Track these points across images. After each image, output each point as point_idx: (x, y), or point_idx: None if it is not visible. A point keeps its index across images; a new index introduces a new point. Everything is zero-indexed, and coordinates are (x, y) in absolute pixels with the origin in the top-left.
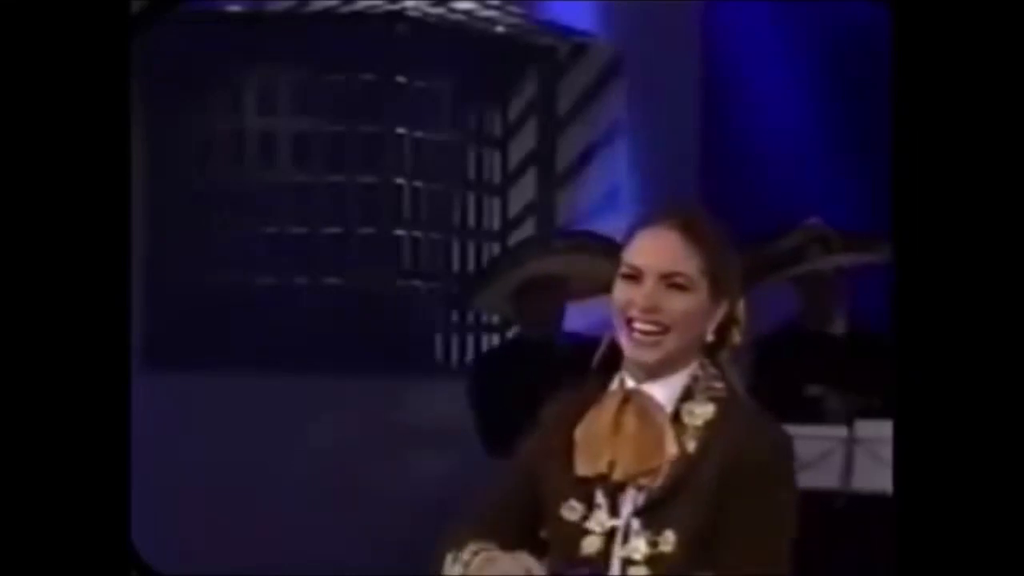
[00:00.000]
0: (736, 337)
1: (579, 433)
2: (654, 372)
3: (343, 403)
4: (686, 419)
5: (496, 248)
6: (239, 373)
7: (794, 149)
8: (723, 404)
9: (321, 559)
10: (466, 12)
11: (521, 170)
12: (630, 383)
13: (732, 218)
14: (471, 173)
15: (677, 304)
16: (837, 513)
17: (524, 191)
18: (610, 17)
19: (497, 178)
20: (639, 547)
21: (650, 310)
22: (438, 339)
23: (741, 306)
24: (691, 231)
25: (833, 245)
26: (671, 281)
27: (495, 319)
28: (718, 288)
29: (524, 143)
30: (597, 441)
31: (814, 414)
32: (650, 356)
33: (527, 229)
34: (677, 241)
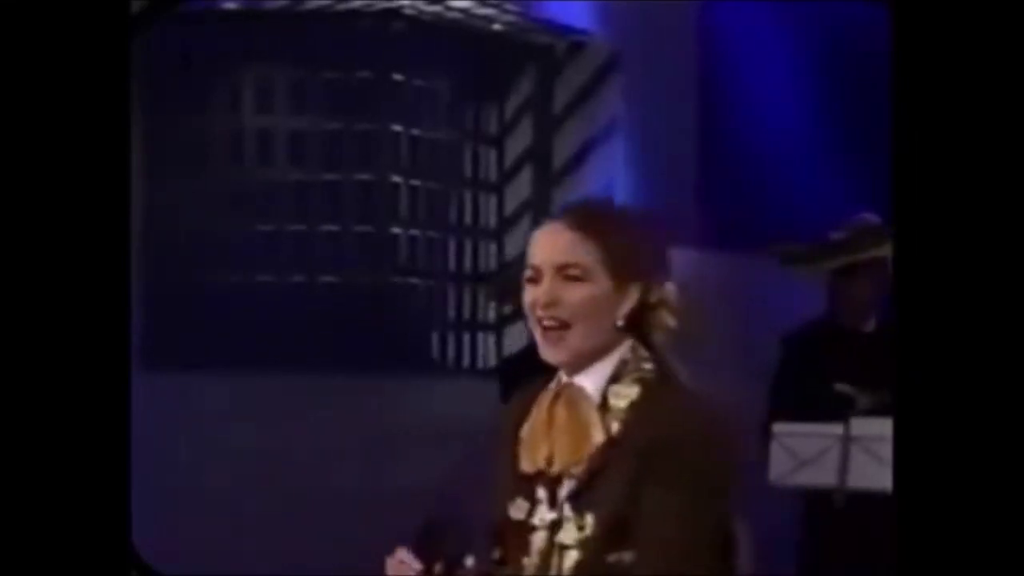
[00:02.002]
0: (669, 320)
1: (524, 432)
2: (571, 365)
3: (340, 402)
4: (612, 401)
5: (493, 246)
6: (237, 372)
7: (791, 147)
8: (649, 385)
9: (320, 559)
10: (463, 10)
11: (518, 168)
12: (564, 377)
13: (728, 214)
14: (468, 171)
15: (575, 295)
16: (836, 511)
17: (520, 189)
18: (607, 15)
19: (493, 176)
20: (570, 532)
21: (550, 304)
22: (435, 337)
23: (669, 288)
24: (584, 223)
25: (886, 238)
26: (566, 273)
27: (492, 319)
28: (621, 274)
29: (521, 141)
30: (535, 437)
31: (842, 411)
32: (555, 354)
33: (523, 227)
34: (569, 234)
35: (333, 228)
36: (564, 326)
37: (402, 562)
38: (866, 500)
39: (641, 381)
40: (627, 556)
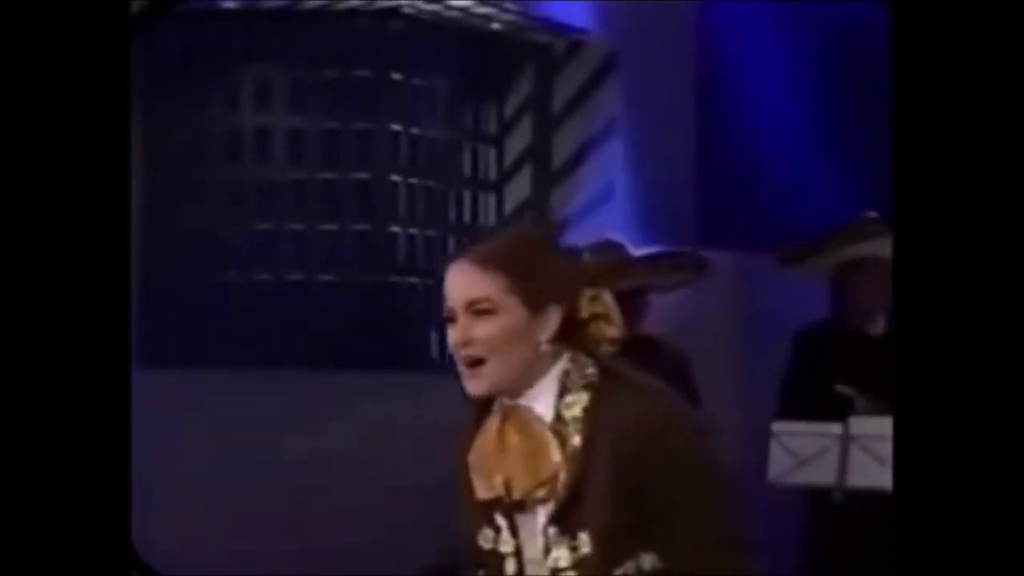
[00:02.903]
0: (609, 331)
1: (471, 459)
2: (505, 393)
3: (339, 400)
4: (566, 413)
5: None
6: (236, 371)
7: (790, 147)
8: (597, 388)
9: (320, 558)
10: (462, 9)
11: (517, 167)
12: (507, 400)
13: (727, 215)
14: (467, 170)
15: (486, 329)
16: (835, 510)
17: (520, 188)
18: (606, 14)
19: (493, 175)
20: (562, 555)
21: (464, 344)
22: (434, 336)
23: (605, 299)
24: (486, 256)
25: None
26: (476, 308)
27: None
28: (535, 298)
29: (520, 140)
30: (487, 463)
31: (848, 412)
32: (477, 388)
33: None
34: (472, 270)
35: (332, 227)
36: (478, 362)
37: None
38: (865, 499)
39: (588, 387)
40: (647, 559)
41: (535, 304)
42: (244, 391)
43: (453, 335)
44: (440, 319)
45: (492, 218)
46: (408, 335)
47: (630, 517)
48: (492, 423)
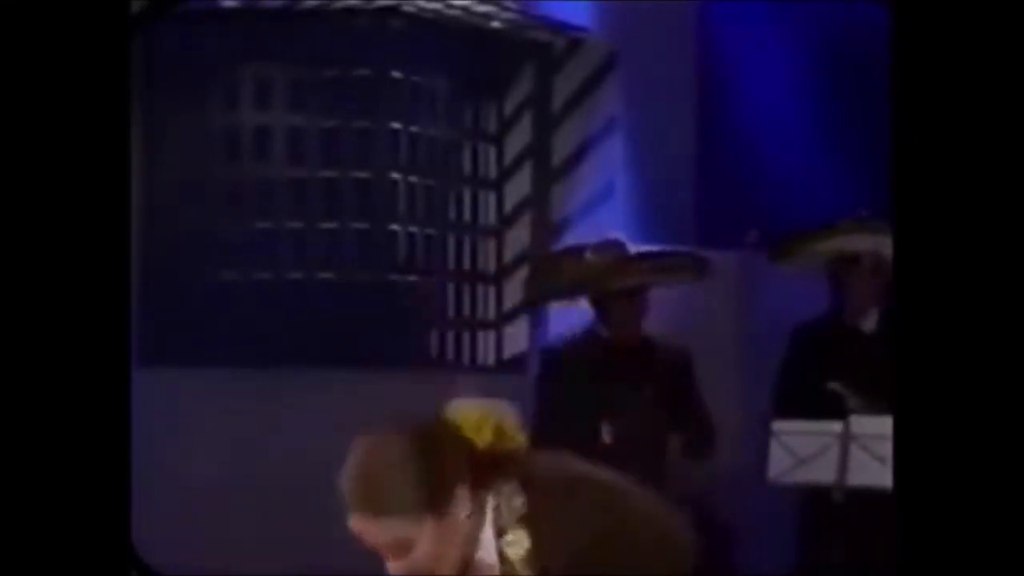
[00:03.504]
0: (512, 443)
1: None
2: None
3: (339, 400)
4: (510, 553)
5: (492, 243)
6: (236, 370)
7: (790, 146)
8: (530, 520)
9: (320, 559)
10: (462, 7)
11: (517, 166)
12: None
13: (727, 212)
14: (466, 168)
15: (406, 566)
16: (835, 509)
17: (520, 187)
18: (606, 13)
19: (493, 174)
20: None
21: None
22: (434, 335)
23: (486, 419)
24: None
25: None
26: (392, 549)
27: (491, 318)
28: (439, 499)
29: (520, 139)
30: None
31: (835, 409)
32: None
33: (523, 224)
34: (365, 523)
35: (332, 225)
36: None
37: None
38: (865, 498)
39: (522, 520)
40: None
41: (441, 504)
42: (244, 390)
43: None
44: (440, 317)
45: (492, 216)
46: (408, 334)
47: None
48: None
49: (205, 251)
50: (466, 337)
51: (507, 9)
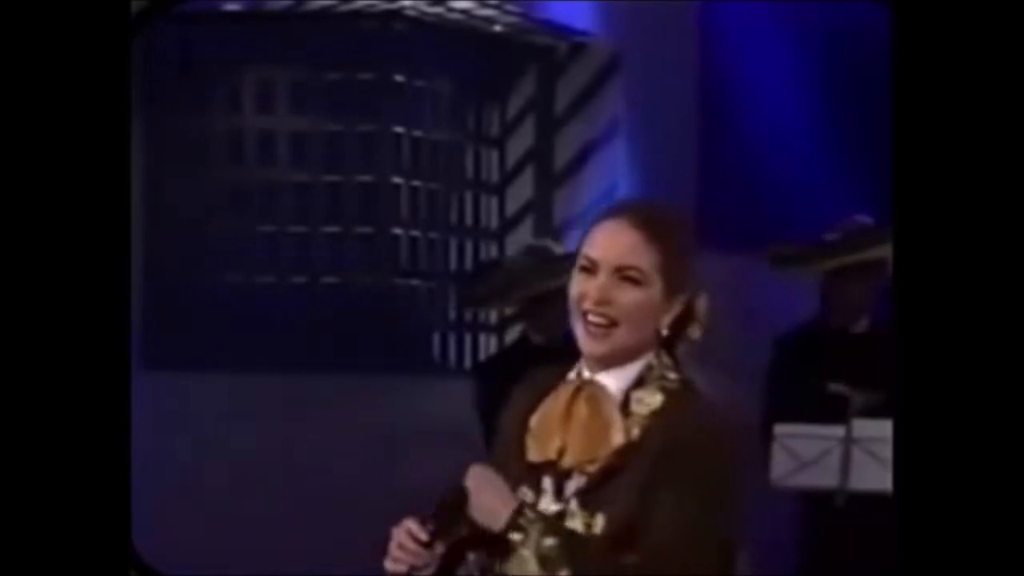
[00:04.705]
0: (695, 332)
1: (533, 420)
2: (606, 362)
3: (341, 402)
4: (634, 407)
5: (494, 247)
6: (237, 372)
7: (792, 147)
8: (672, 395)
9: (320, 559)
10: (464, 11)
11: (519, 169)
12: (586, 373)
13: (730, 216)
14: (469, 172)
15: (628, 297)
16: (837, 512)
17: (522, 190)
18: (608, 16)
19: (495, 177)
20: (575, 527)
21: (602, 302)
22: (436, 338)
23: (701, 302)
24: (649, 226)
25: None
26: (624, 274)
27: (492, 318)
28: (673, 284)
29: (522, 142)
30: (549, 428)
31: (834, 412)
32: (599, 348)
33: (525, 228)
34: (633, 235)
35: (334, 229)
36: (612, 324)
37: (408, 532)
38: (867, 501)
39: (664, 390)
40: (631, 559)
41: (671, 289)
42: (245, 392)
43: (586, 287)
44: (442, 321)
45: (495, 220)
46: (411, 338)
47: (644, 518)
48: (564, 391)
49: (207, 254)
50: (468, 341)
51: (509, 13)
